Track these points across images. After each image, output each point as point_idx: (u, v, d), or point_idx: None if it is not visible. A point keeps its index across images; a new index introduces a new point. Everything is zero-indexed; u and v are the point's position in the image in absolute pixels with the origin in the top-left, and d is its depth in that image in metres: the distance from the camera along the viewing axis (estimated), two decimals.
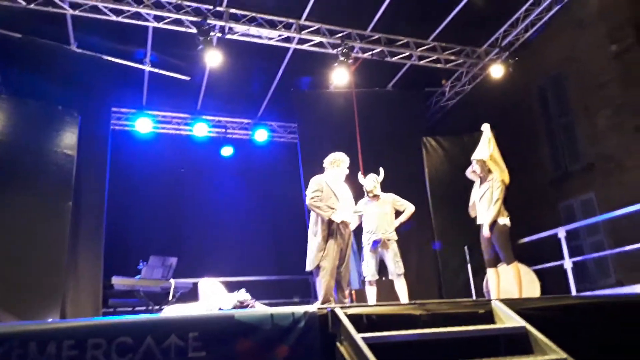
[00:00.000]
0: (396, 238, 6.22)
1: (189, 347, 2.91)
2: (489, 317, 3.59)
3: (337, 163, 5.43)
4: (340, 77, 8.80)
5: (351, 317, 3.19)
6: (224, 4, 7.86)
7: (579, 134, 8.62)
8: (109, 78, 8.43)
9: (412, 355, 3.16)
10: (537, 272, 7.35)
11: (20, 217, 6.50)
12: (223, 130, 11.14)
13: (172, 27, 7.82)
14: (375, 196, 6.36)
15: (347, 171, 5.54)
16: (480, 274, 7.26)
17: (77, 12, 7.39)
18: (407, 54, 9.25)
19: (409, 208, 6.37)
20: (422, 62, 9.45)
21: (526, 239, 7.90)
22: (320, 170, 5.58)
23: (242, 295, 5.52)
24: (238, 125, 11.28)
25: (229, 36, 8.15)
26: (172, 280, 7.61)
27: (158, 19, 7.72)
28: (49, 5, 7.23)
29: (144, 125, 10.19)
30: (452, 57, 9.58)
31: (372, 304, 5.15)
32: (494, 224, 5.47)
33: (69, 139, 7.19)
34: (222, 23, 7.97)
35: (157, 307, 7.34)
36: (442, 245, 8.66)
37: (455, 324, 3.38)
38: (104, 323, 2.96)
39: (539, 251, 7.83)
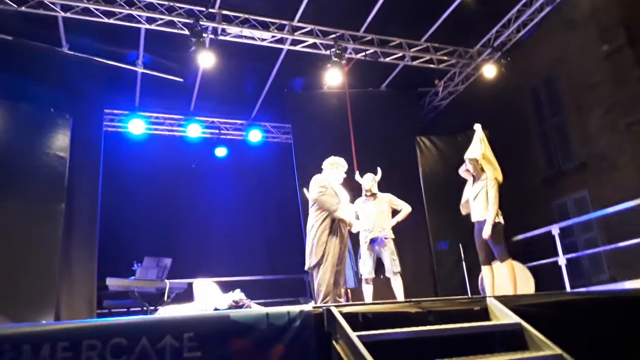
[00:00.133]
0: (393, 236, 6.28)
1: (184, 347, 2.90)
2: (484, 314, 3.59)
3: (336, 166, 5.50)
4: (333, 78, 8.81)
5: (347, 316, 3.19)
6: (217, 5, 7.85)
7: (571, 134, 8.68)
8: (101, 80, 8.39)
9: (408, 353, 3.16)
10: (531, 269, 7.40)
11: (12, 220, 6.45)
12: (217, 131, 11.13)
13: (165, 28, 7.80)
14: (373, 195, 6.44)
15: (345, 175, 5.58)
16: (475, 272, 7.28)
17: (68, 15, 7.36)
18: (400, 54, 9.28)
19: (405, 208, 6.44)
20: (415, 63, 9.48)
21: (520, 237, 7.94)
22: (314, 170, 5.60)
23: (238, 295, 5.50)
24: (232, 126, 11.27)
25: (221, 37, 8.14)
26: (167, 281, 7.59)
27: (150, 20, 7.70)
28: (40, 7, 7.20)
29: (136, 126, 10.15)
30: (445, 58, 9.62)
31: (367, 303, 5.16)
32: (491, 223, 5.48)
33: (61, 141, 7.15)
34: (215, 25, 7.96)
35: (152, 308, 7.31)
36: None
37: (451, 321, 3.38)
38: (98, 324, 2.94)
39: (533, 248, 7.87)
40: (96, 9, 7.38)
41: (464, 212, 5.91)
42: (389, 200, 6.47)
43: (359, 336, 2.98)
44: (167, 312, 6.12)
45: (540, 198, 9.01)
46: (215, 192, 10.64)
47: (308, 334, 3.13)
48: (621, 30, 7.79)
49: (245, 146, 11.31)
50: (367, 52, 9.05)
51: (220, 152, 10.99)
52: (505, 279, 5.49)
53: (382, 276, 6.26)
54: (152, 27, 7.74)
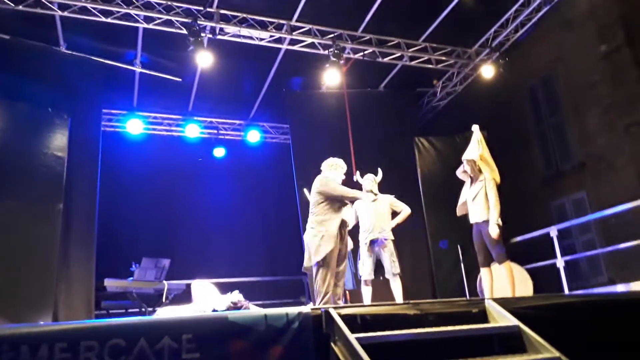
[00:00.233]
0: (393, 238, 6.26)
1: (183, 348, 2.89)
2: (483, 316, 3.59)
3: (335, 167, 5.51)
4: (332, 78, 8.81)
5: (345, 318, 3.19)
6: (215, 5, 7.84)
7: (569, 134, 8.68)
8: (99, 79, 8.37)
9: (406, 355, 3.15)
10: (529, 271, 7.38)
11: (10, 220, 6.43)
12: (215, 131, 11.12)
13: (163, 28, 7.78)
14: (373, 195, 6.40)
15: (344, 177, 5.57)
16: (473, 273, 7.28)
17: (66, 13, 7.33)
18: (398, 54, 9.27)
19: (405, 210, 6.43)
20: (413, 63, 9.48)
21: (519, 238, 7.93)
22: (313, 170, 5.60)
23: (236, 296, 5.50)
24: (230, 126, 11.25)
25: (219, 37, 8.13)
26: (165, 282, 7.55)
27: (148, 20, 7.68)
28: (38, 6, 7.17)
29: (135, 126, 10.13)
30: (443, 58, 9.62)
31: (365, 304, 5.15)
32: (487, 223, 5.47)
33: (59, 141, 7.12)
34: (213, 24, 7.94)
35: (150, 309, 7.29)
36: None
37: (449, 323, 3.39)
38: (96, 325, 2.93)
39: (531, 250, 7.86)
40: (94, 8, 7.36)
41: (459, 213, 5.90)
42: (389, 201, 6.46)
43: (357, 338, 2.98)
44: (165, 313, 6.10)
45: (539, 199, 9.01)
46: (214, 193, 10.62)
47: (306, 335, 3.13)
48: (619, 29, 7.79)
49: (243, 146, 11.29)
50: (366, 52, 9.04)
51: (219, 152, 10.97)
52: (503, 281, 5.49)
53: (381, 277, 6.24)
54: (150, 26, 7.72)
